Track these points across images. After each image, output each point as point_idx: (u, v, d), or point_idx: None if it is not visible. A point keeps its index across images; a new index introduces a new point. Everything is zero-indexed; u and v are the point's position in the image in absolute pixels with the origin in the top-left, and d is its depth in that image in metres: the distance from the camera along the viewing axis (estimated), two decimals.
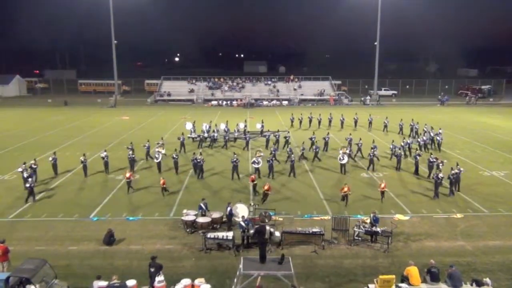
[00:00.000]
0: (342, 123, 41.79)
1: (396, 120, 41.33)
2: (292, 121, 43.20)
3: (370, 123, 41.93)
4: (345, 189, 20.78)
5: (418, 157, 26.59)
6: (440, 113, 54.75)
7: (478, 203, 21.32)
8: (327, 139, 32.30)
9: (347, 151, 27.96)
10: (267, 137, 34.32)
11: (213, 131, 35.33)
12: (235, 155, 26.36)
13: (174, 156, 26.44)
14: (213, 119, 46.14)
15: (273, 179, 25.16)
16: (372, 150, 27.40)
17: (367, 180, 25.46)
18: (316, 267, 15.11)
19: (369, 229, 16.86)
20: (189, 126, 36.75)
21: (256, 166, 25.39)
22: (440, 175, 22.11)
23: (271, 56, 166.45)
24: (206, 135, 35.06)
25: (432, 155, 26.51)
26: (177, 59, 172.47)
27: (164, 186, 22.30)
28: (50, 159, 25.89)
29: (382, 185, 21.28)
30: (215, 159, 29.92)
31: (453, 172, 22.40)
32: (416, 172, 26.28)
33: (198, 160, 25.43)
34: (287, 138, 33.58)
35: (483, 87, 76.85)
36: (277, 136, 33.41)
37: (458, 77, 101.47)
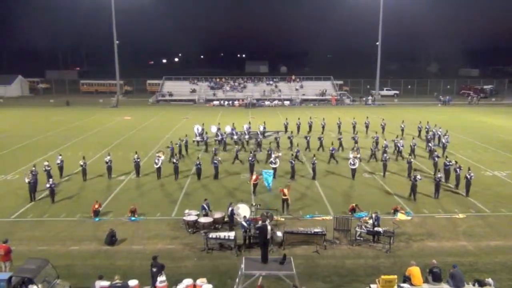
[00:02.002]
0: (354, 127, 38.34)
1: (406, 122, 40.99)
2: (286, 127, 39.08)
3: (383, 128, 38.64)
4: (353, 206, 20.13)
5: (437, 158, 26.13)
6: (442, 113, 54.66)
7: (480, 203, 21.27)
8: (356, 138, 32.51)
9: (358, 156, 27.14)
10: (291, 138, 33.54)
11: (230, 133, 34.98)
12: (251, 154, 26.45)
13: (175, 161, 25.69)
14: (215, 119, 46.10)
15: (292, 179, 25.14)
16: (385, 155, 26.62)
17: (369, 180, 25.43)
18: (318, 267, 15.11)
19: (371, 229, 16.85)
20: (196, 128, 35.91)
21: (273, 166, 25.40)
22: (418, 176, 22.15)
23: (272, 56, 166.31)
24: (220, 137, 34.38)
25: (447, 159, 26.22)
26: (177, 59, 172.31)
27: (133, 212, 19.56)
28: (58, 161, 25.57)
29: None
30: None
31: (439, 175, 22.34)
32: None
33: (215, 161, 25.47)
34: (277, 140, 33.19)
35: (485, 87, 76.75)
36: (258, 140, 33.07)
37: (460, 77, 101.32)
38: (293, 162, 25.61)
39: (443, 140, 30.54)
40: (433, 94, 74.81)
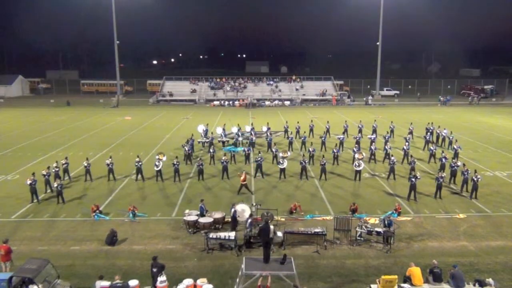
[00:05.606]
0: (360, 130, 35.64)
1: (401, 122, 40.67)
2: (286, 130, 36.80)
3: (392, 131, 36.68)
4: (353, 207, 20.05)
5: (444, 160, 25.96)
6: (442, 113, 54.65)
7: (481, 203, 21.25)
8: (358, 138, 32.59)
9: (363, 157, 26.94)
10: (290, 139, 33.10)
11: (238, 134, 34.83)
12: (260, 154, 26.43)
13: (175, 162, 25.17)
14: (216, 119, 46.08)
15: (304, 179, 25.19)
16: (392, 158, 25.96)
17: (369, 181, 25.42)
18: (318, 267, 15.11)
19: (371, 230, 16.83)
20: (201, 128, 35.63)
21: (280, 166, 25.33)
22: (419, 175, 22.07)
23: (273, 56, 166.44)
24: (224, 138, 34.29)
25: (454, 160, 25.98)
26: (175, 60, 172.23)
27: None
28: (63, 162, 25.34)
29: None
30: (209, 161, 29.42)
31: (442, 175, 22.30)
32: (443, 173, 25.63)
33: (222, 161, 25.49)
34: (269, 141, 32.79)
35: (485, 87, 76.71)
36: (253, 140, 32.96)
37: (460, 77, 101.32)
38: (304, 162, 25.48)
39: (455, 146, 29.50)
40: (433, 94, 74.69)
